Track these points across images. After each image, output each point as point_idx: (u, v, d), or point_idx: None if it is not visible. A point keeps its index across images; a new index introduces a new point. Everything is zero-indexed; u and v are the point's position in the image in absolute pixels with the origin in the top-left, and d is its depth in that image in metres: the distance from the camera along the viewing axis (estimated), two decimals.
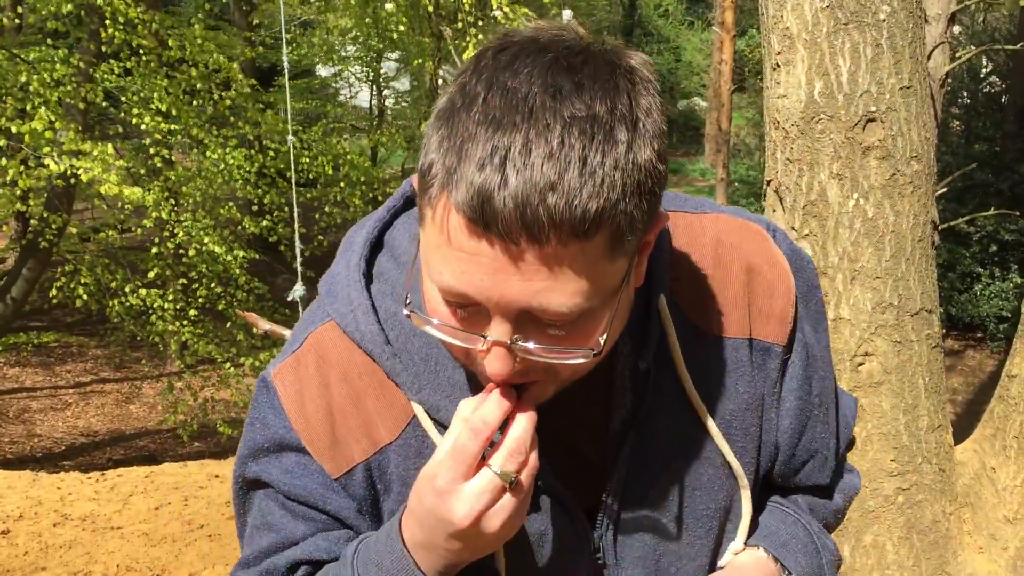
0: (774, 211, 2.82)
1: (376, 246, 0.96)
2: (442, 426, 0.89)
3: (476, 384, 0.89)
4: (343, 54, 14.55)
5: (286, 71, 5.24)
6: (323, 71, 16.04)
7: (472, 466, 0.80)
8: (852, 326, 2.65)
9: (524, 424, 0.81)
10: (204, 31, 8.70)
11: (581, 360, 0.79)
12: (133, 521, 4.72)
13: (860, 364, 2.64)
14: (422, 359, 0.90)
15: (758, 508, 1.04)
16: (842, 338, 2.65)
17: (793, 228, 2.73)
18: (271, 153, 9.19)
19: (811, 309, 1.02)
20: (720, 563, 1.00)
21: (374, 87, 15.17)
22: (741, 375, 0.96)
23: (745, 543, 1.00)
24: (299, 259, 4.56)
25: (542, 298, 0.74)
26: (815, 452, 1.04)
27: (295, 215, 4.54)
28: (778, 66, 2.70)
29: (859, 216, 2.64)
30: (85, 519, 4.72)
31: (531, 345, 0.77)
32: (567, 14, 19.93)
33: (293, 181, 4.50)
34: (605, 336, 0.79)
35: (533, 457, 0.82)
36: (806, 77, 2.64)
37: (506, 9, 9.10)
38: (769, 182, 2.84)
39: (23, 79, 7.20)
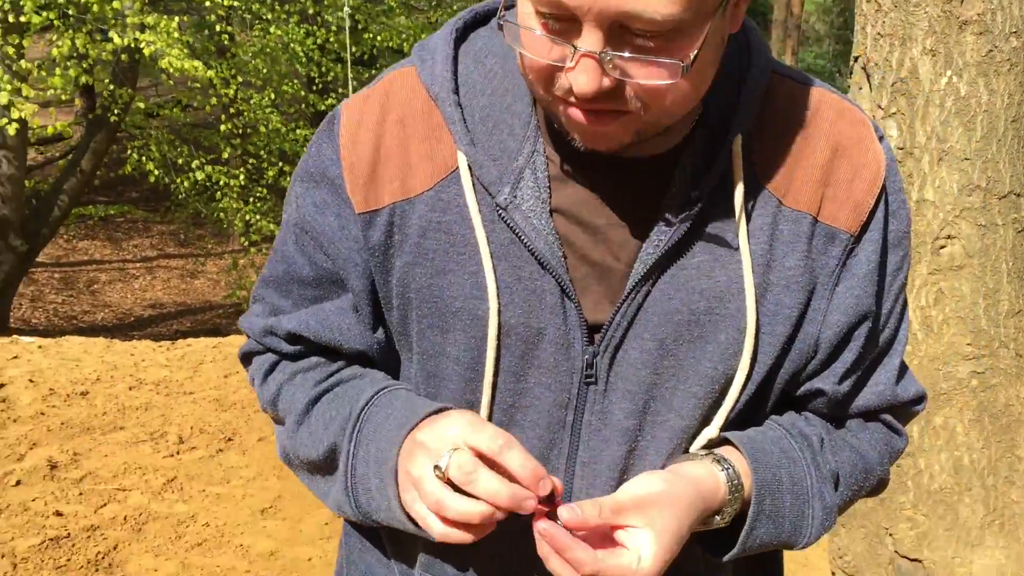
0: (860, 89, 2.71)
1: (469, 27, 0.98)
2: (481, 184, 0.89)
3: (530, 152, 0.89)
4: None
5: None
6: None
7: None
8: (936, 208, 2.56)
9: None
10: None
11: (668, 80, 0.75)
12: (204, 387, 4.90)
13: (942, 247, 2.57)
14: (482, 118, 0.91)
15: (762, 409, 0.96)
16: (924, 220, 2.58)
17: (880, 106, 2.62)
18: (334, 29, 9.07)
19: (898, 253, 0.95)
20: (693, 447, 0.92)
21: None
22: (795, 249, 0.89)
23: (720, 431, 0.92)
24: None
25: (637, 2, 0.71)
26: (860, 365, 0.95)
27: (350, 91, 4.49)
28: None
29: (951, 94, 2.52)
30: (159, 384, 4.92)
31: (623, 54, 0.74)
32: None
33: (348, 56, 4.44)
34: (696, 53, 0.75)
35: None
36: None
37: None
38: (856, 58, 2.72)
39: None
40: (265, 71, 8.96)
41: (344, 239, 0.94)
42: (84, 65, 7.40)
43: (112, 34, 7.27)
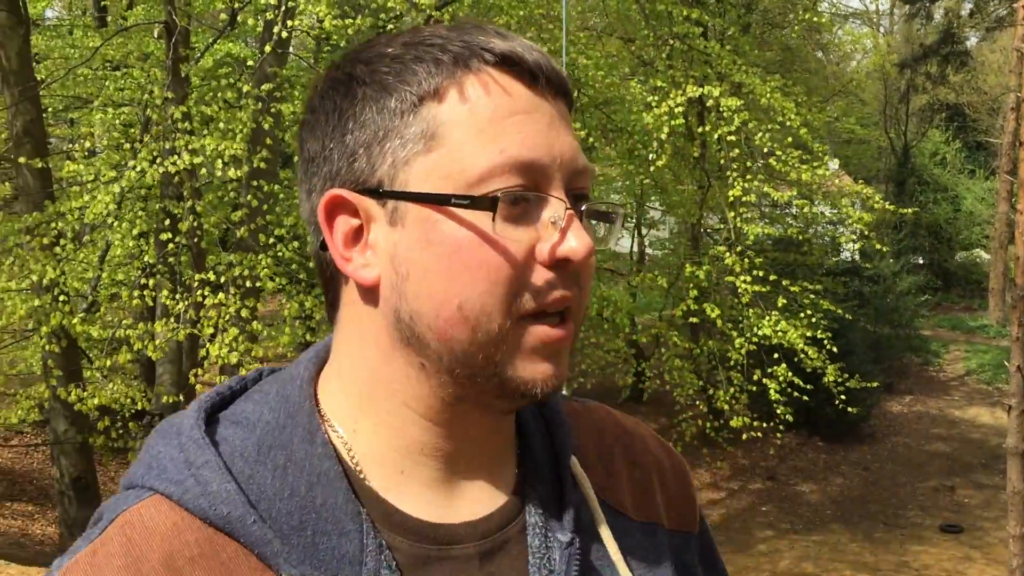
0: None
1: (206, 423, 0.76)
2: None
3: (372, 555, 0.71)
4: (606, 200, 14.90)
5: None
6: None
7: None
8: None
9: None
10: None
11: (596, 248, 0.72)
12: None
13: None
14: (294, 528, 0.71)
15: None
16: None
17: None
18: None
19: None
20: None
21: (635, 232, 15.36)
22: (662, 563, 0.85)
23: None
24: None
25: (580, 154, 0.72)
26: None
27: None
28: None
29: None
30: None
31: (583, 207, 0.72)
32: (833, 165, 19.42)
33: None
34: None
35: None
36: None
37: (779, 153, 8.96)
38: None
39: None
40: None
41: None
42: (310, 324, 7.95)
43: None
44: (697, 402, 10.35)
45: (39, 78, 8.06)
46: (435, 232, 0.70)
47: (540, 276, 0.70)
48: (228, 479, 0.70)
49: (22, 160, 6.87)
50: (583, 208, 0.71)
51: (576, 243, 0.69)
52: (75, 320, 6.43)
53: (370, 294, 0.74)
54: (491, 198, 0.68)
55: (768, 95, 8.82)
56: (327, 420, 0.76)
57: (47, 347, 7.04)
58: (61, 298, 6.32)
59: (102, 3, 10.58)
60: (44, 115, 7.80)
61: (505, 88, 0.70)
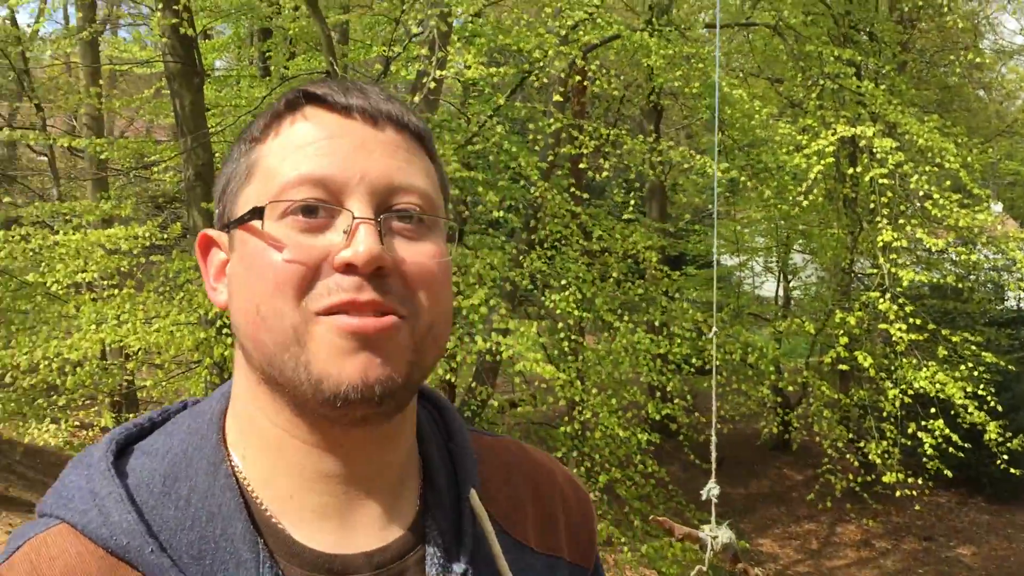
0: None
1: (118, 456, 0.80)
2: None
3: None
4: (749, 244, 14.61)
5: (714, 270, 5.26)
6: (727, 260, 16.22)
7: None
8: None
9: None
10: (624, 224, 9.21)
11: (437, 258, 0.78)
12: None
13: None
14: (193, 557, 0.73)
15: None
16: None
17: None
18: (677, 340, 9.28)
19: None
20: None
21: (780, 277, 14.96)
22: None
23: None
24: (714, 453, 4.37)
25: (405, 175, 0.78)
26: None
27: (715, 409, 4.39)
28: None
29: None
30: None
31: (394, 222, 0.77)
32: (996, 207, 18.38)
33: (714, 375, 4.39)
34: (451, 254, 0.81)
35: None
36: None
37: (936, 196, 8.55)
38: None
39: (467, 262, 8.06)
40: (606, 376, 9.26)
41: None
42: (452, 365, 8.09)
43: (477, 338, 7.96)
44: (847, 455, 9.90)
45: (210, 125, 8.63)
46: (244, 248, 0.79)
47: (330, 279, 0.75)
48: (129, 510, 0.73)
49: (203, 206, 7.34)
50: (380, 218, 0.77)
51: (358, 248, 0.74)
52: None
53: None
54: (260, 208, 0.76)
55: (925, 135, 8.46)
56: (230, 452, 0.80)
57: (209, 378, 7.45)
58: (224, 331, 6.69)
59: (266, 54, 11.24)
60: (213, 160, 8.31)
61: (314, 121, 0.80)
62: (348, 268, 0.75)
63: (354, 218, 0.75)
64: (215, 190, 0.86)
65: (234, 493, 0.76)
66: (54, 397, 7.47)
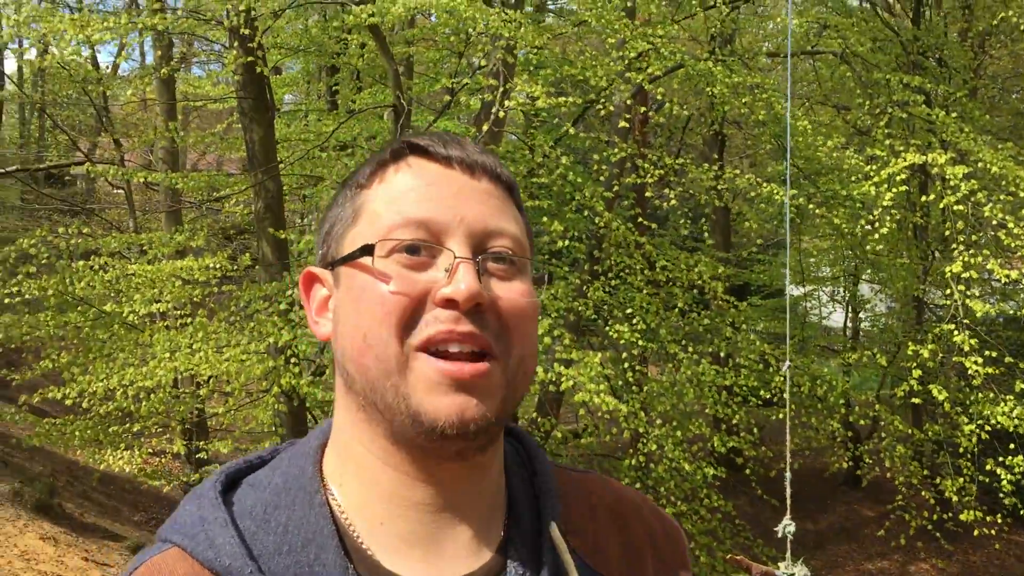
0: None
1: (227, 489, 0.88)
2: None
3: None
4: (816, 274, 14.37)
5: (787, 300, 5.18)
6: (794, 290, 15.99)
7: None
8: None
9: None
10: (688, 254, 9.14)
11: (527, 297, 0.84)
12: None
13: None
14: None
15: None
16: None
17: None
18: (744, 372, 9.14)
19: None
20: None
21: (848, 308, 14.67)
22: None
23: None
24: (788, 489, 4.27)
25: (498, 220, 0.85)
26: None
27: (788, 443, 4.30)
28: None
29: None
30: None
31: (489, 263, 0.84)
32: None
33: (788, 409, 4.30)
34: (540, 296, 0.86)
35: None
36: None
37: (1011, 226, 8.31)
38: None
39: None
40: (670, 407, 9.15)
41: None
42: None
43: (539, 368, 7.95)
44: (922, 491, 9.61)
45: (279, 158, 8.84)
46: (352, 282, 0.85)
47: (432, 314, 0.81)
48: (232, 534, 0.80)
49: (268, 231, 7.50)
50: (478, 258, 0.83)
51: (459, 285, 0.80)
52: (303, 382, 6.88)
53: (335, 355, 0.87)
54: (371, 245, 0.83)
55: (999, 163, 8.25)
56: (327, 483, 0.86)
57: (276, 406, 7.55)
58: (292, 360, 6.79)
59: (334, 88, 11.48)
60: (282, 191, 8.50)
61: (417, 169, 0.87)
62: (448, 303, 0.81)
63: (455, 257, 0.82)
64: (318, 233, 0.93)
65: (327, 521, 0.82)
66: (128, 424, 7.66)
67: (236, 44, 7.20)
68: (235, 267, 8.10)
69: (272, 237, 7.63)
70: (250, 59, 6.86)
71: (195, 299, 7.81)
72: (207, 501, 0.84)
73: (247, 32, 6.46)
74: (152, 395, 6.71)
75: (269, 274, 7.75)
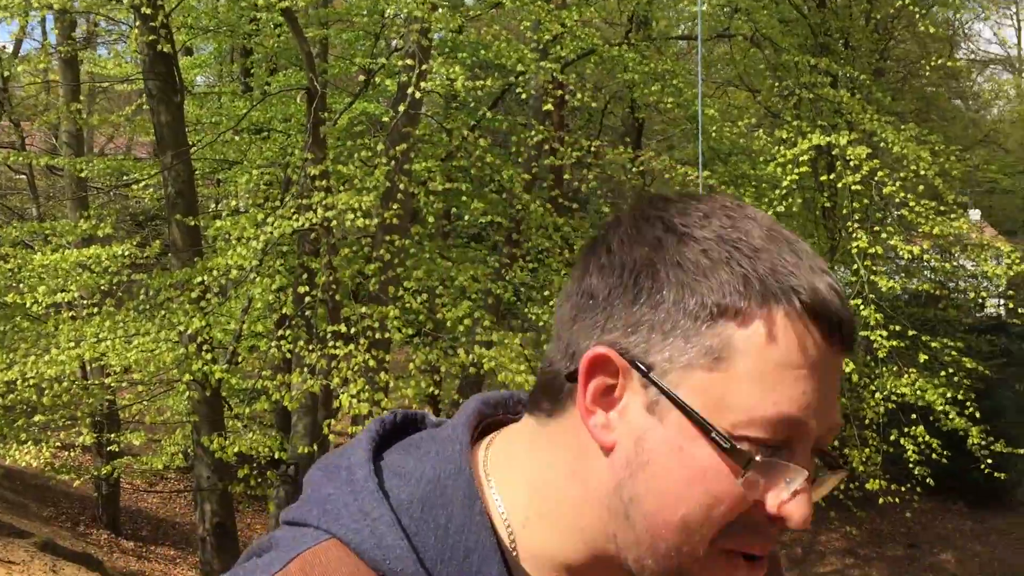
0: None
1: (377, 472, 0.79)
2: None
3: None
4: None
5: None
6: None
7: None
8: None
9: None
10: None
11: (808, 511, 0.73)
12: None
13: None
14: None
15: None
16: None
17: None
18: None
19: None
20: None
21: None
22: None
23: None
24: None
25: (839, 415, 0.73)
26: None
27: None
28: None
29: None
30: None
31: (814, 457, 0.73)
32: (974, 214, 18.55)
33: None
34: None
35: None
36: None
37: (912, 204, 8.63)
38: None
39: (452, 274, 8.09)
40: None
41: None
42: (436, 378, 8.09)
43: (460, 350, 7.96)
44: None
45: (191, 142, 8.62)
46: (690, 446, 0.71)
47: (757, 521, 0.71)
48: (401, 536, 0.73)
49: (176, 218, 7.31)
50: (815, 458, 0.72)
51: (800, 511, 0.70)
52: (216, 368, 6.75)
53: (597, 449, 0.75)
54: (748, 458, 0.69)
55: (901, 144, 8.54)
56: (483, 489, 0.78)
57: (189, 393, 7.40)
58: (204, 347, 6.66)
59: (248, 70, 11.24)
60: (194, 176, 8.30)
61: (800, 337, 0.70)
62: (777, 520, 0.72)
63: (807, 479, 0.71)
64: (616, 299, 0.75)
65: (489, 533, 0.76)
66: (35, 417, 7.41)
67: (139, 23, 6.99)
68: (144, 255, 7.88)
69: (183, 224, 7.46)
70: (152, 38, 6.66)
71: (103, 288, 7.58)
72: (366, 492, 0.76)
73: (148, 11, 6.27)
74: (56, 384, 6.49)
75: (180, 261, 7.57)
